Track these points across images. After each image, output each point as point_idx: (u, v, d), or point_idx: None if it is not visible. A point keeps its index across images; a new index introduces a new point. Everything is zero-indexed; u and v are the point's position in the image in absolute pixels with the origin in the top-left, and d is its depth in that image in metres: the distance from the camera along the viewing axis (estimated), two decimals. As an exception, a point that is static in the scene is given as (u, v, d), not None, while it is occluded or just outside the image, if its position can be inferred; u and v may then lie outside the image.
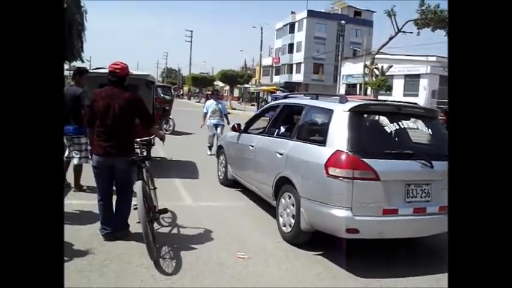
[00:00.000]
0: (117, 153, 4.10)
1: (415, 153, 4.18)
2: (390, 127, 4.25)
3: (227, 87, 58.45)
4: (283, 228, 4.67)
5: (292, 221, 4.46)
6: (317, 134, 4.63)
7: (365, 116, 4.43)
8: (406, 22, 25.97)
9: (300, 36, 60.29)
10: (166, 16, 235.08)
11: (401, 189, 3.98)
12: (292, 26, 61.91)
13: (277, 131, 5.81)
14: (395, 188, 3.97)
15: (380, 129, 4.34)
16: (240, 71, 60.01)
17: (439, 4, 24.87)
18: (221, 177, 7.31)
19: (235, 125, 6.77)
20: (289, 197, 4.58)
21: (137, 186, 3.97)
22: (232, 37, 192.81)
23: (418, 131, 4.52)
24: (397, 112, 4.43)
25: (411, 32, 26.33)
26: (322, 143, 4.24)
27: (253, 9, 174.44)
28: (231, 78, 51.74)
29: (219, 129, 10.40)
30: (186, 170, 8.49)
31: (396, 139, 4.47)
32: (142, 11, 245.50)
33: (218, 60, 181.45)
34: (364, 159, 3.86)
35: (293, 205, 4.47)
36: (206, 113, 10.70)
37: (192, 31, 67.19)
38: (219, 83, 60.54)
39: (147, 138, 4.76)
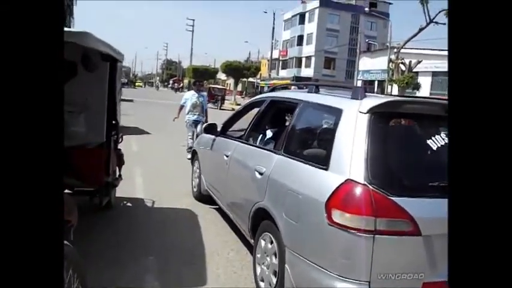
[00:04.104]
0: None
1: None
2: (436, 141, 2.69)
3: (230, 81, 56.73)
4: (261, 284, 3.28)
5: (274, 278, 3.06)
6: (315, 147, 3.13)
7: (393, 121, 2.88)
8: (439, 12, 24.13)
9: (310, 28, 59.20)
10: (167, 3, 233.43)
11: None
12: (302, 17, 60.94)
13: (261, 136, 4.35)
14: (442, 246, 2.48)
15: (419, 144, 2.80)
16: (246, 63, 58.29)
17: None
18: (195, 190, 6.09)
19: (210, 125, 5.33)
20: (271, 241, 3.17)
21: None
22: (236, 27, 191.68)
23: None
24: (443, 115, 2.88)
25: (444, 24, 24.49)
26: (323, 163, 2.72)
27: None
28: (237, 70, 48.93)
29: (199, 126, 9.26)
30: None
31: (445, 161, 2.95)
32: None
33: (221, 51, 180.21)
34: (393, 198, 2.37)
35: (275, 255, 3.05)
36: (183, 106, 9.56)
37: (194, 20, 66.67)
38: (221, 76, 58.99)
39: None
